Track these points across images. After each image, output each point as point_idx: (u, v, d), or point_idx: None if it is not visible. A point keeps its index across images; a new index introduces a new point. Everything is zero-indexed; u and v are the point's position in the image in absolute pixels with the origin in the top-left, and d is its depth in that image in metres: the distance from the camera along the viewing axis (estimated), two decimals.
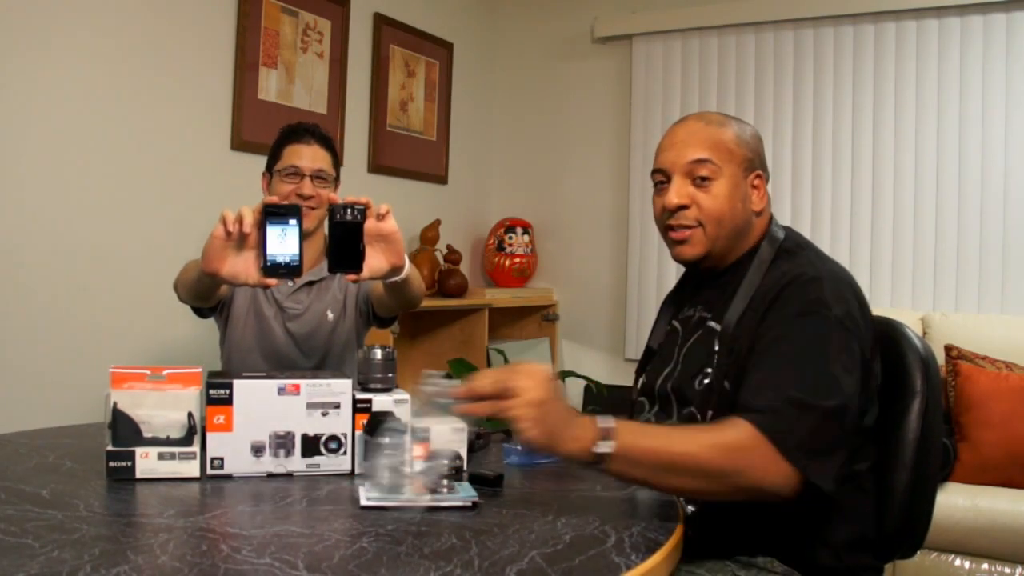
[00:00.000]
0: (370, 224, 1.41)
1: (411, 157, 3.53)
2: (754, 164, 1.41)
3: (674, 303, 1.55)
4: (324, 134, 2.00)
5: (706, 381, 1.34)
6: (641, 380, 1.53)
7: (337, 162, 2.02)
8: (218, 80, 2.71)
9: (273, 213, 1.34)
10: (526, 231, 3.81)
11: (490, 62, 4.03)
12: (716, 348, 1.34)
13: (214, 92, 2.70)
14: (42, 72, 2.25)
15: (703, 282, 1.47)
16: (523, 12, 4.01)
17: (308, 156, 1.94)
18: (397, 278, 1.53)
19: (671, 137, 1.42)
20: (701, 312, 1.43)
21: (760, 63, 3.49)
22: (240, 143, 2.75)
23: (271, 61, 2.87)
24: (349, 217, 1.38)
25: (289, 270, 1.36)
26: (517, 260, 3.77)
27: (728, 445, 1.15)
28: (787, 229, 1.45)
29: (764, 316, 1.29)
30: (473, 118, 3.90)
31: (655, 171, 1.44)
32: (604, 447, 1.11)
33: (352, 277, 1.42)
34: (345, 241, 1.39)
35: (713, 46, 3.57)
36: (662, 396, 1.44)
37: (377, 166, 3.34)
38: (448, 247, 3.51)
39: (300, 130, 1.98)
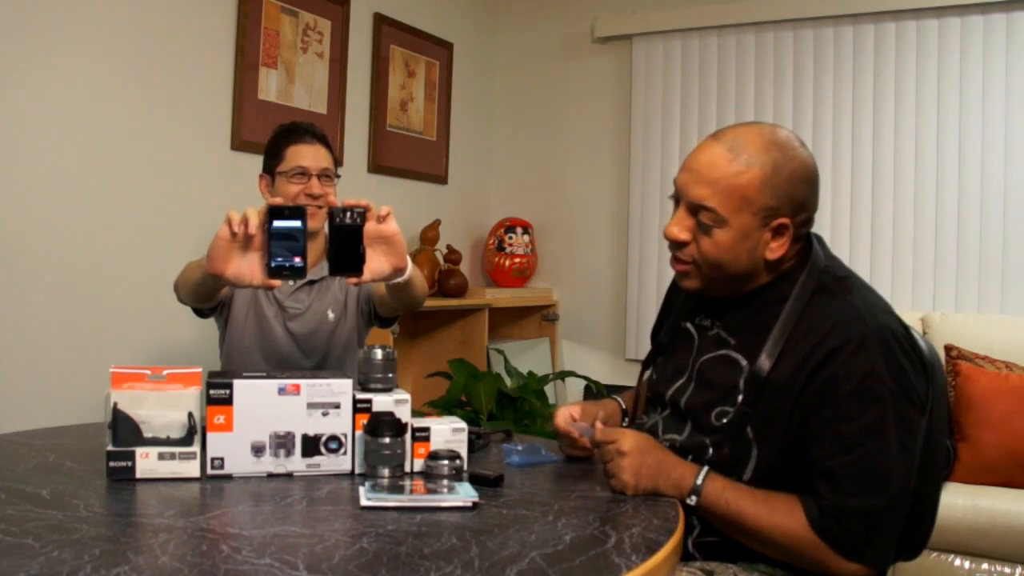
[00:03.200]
0: (371, 226, 1.42)
1: (411, 157, 3.53)
2: (779, 211, 1.27)
3: (690, 301, 1.47)
4: (321, 132, 2.00)
5: (724, 420, 1.30)
6: (650, 376, 1.50)
7: (334, 162, 2.01)
8: (218, 80, 2.71)
9: (278, 214, 1.34)
10: (526, 231, 3.81)
11: (490, 62, 4.03)
12: (741, 387, 1.29)
13: (214, 92, 2.70)
14: (42, 72, 2.25)
15: (725, 298, 1.38)
16: (523, 12, 4.01)
17: (313, 156, 1.94)
18: (400, 279, 1.54)
19: (693, 158, 1.32)
20: (721, 332, 1.37)
21: (760, 63, 3.49)
22: (240, 143, 2.75)
23: (271, 61, 2.87)
24: (348, 221, 1.39)
25: (294, 271, 1.36)
26: (517, 260, 3.77)
27: (792, 536, 1.23)
28: (824, 249, 1.36)
29: (809, 381, 1.23)
30: (473, 118, 3.90)
31: (675, 182, 1.36)
32: (690, 501, 1.27)
33: (353, 280, 1.42)
34: (345, 245, 1.39)
35: (713, 46, 3.57)
36: (673, 406, 1.41)
37: (377, 166, 3.34)
38: (448, 247, 3.51)
39: (300, 130, 1.97)
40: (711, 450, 1.31)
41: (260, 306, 1.97)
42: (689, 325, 1.45)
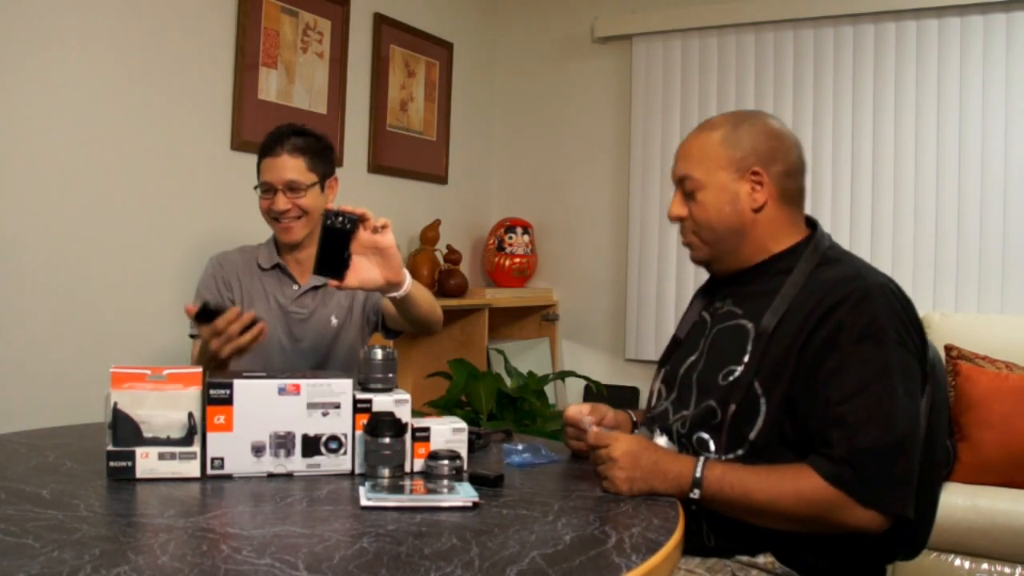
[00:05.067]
0: (366, 236, 1.45)
1: (411, 157, 3.53)
2: (747, 162, 1.40)
3: (706, 295, 1.55)
4: (296, 140, 1.92)
5: (731, 378, 1.34)
6: (665, 369, 1.54)
7: (319, 162, 1.94)
8: (218, 80, 2.71)
9: (331, 215, 1.44)
10: (526, 231, 3.81)
11: (490, 62, 4.03)
12: (749, 348, 1.34)
13: (214, 92, 2.70)
14: (42, 72, 2.25)
15: (734, 277, 1.47)
16: (523, 12, 4.01)
17: (278, 168, 1.90)
18: (395, 294, 1.56)
19: (679, 148, 1.48)
20: (730, 306, 1.44)
21: (760, 63, 3.49)
22: (240, 143, 2.75)
23: (271, 61, 2.87)
24: (339, 224, 1.43)
25: (332, 272, 1.47)
26: (517, 260, 3.77)
27: (807, 497, 1.23)
28: (829, 237, 1.45)
29: (814, 332, 1.28)
30: (473, 118, 3.90)
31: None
32: (693, 495, 1.27)
33: (334, 284, 1.48)
34: (332, 247, 1.44)
35: (713, 46, 3.57)
36: (683, 385, 1.45)
37: (377, 166, 3.34)
38: (448, 247, 3.51)
39: (270, 141, 1.93)
40: (719, 412, 1.34)
41: (261, 313, 1.96)
42: (704, 314, 1.51)
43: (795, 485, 1.24)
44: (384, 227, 1.48)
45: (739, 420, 1.31)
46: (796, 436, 1.29)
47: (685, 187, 1.44)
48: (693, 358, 1.45)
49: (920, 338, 1.32)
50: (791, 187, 1.43)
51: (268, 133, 1.97)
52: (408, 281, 1.59)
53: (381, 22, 3.34)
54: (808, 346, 1.29)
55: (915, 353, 1.29)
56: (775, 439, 1.30)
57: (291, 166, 1.90)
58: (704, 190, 1.41)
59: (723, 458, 1.32)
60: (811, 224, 1.47)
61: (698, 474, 1.27)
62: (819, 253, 1.39)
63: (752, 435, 1.30)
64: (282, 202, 1.90)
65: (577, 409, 1.51)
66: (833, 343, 1.27)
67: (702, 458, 1.30)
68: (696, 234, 1.45)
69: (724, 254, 1.45)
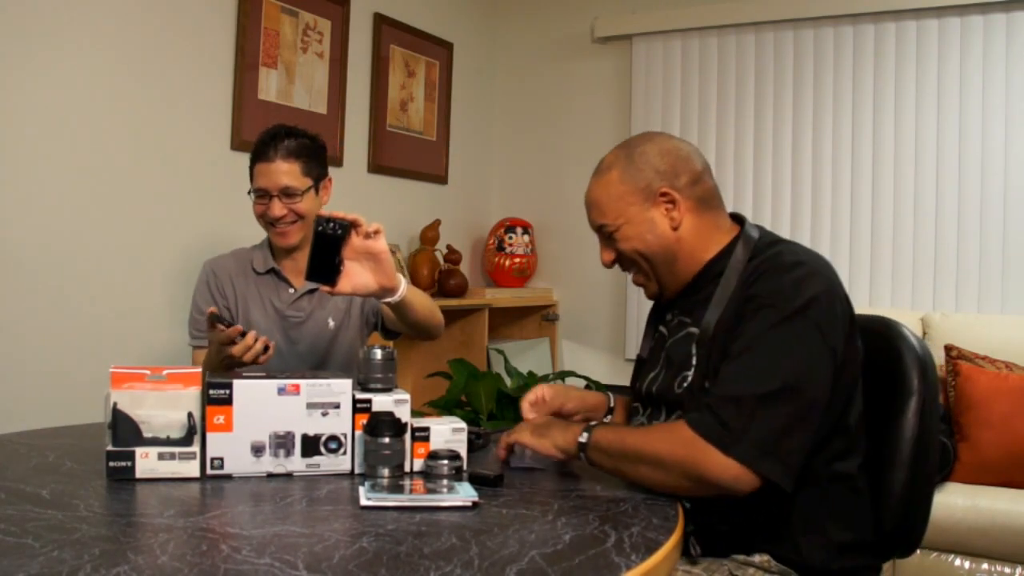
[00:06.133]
0: (359, 241, 1.47)
1: (411, 157, 3.53)
2: (652, 188, 1.40)
3: (658, 310, 1.56)
4: (295, 140, 1.91)
5: (685, 384, 1.35)
6: (635, 388, 1.55)
7: (313, 165, 1.93)
8: (218, 80, 2.71)
9: (322, 222, 1.45)
10: (526, 231, 3.81)
11: (490, 62, 4.03)
12: (694, 351, 1.35)
13: (214, 92, 2.70)
14: (42, 72, 2.25)
15: (680, 292, 1.47)
16: (523, 12, 4.01)
17: (272, 175, 1.88)
18: (390, 300, 1.58)
19: (585, 198, 1.50)
20: (680, 316, 1.44)
21: (760, 63, 3.49)
22: (240, 143, 2.75)
23: (271, 61, 2.87)
24: (329, 231, 1.44)
25: (323, 278, 1.48)
26: (517, 260, 3.77)
27: (673, 443, 1.23)
28: (761, 228, 1.44)
29: (739, 317, 1.29)
30: (473, 118, 3.90)
31: None
32: (583, 437, 1.32)
33: (326, 289, 1.49)
34: (323, 253, 1.45)
35: (713, 46, 3.57)
36: (650, 400, 1.46)
37: (377, 166, 3.34)
38: (448, 247, 3.51)
39: (265, 145, 1.90)
40: None
41: (257, 317, 1.96)
42: (662, 328, 1.51)
43: (666, 434, 1.25)
44: (376, 232, 1.49)
45: None
46: None
47: (604, 233, 1.45)
48: (654, 373, 1.46)
49: (836, 315, 1.27)
50: (702, 192, 1.42)
51: (260, 135, 1.95)
52: (403, 286, 1.59)
53: (381, 22, 3.34)
54: (734, 328, 1.29)
55: (820, 325, 1.25)
56: None
57: (285, 171, 1.88)
58: (621, 229, 1.42)
59: None
60: (738, 220, 1.46)
61: (592, 423, 1.35)
62: (750, 247, 1.38)
63: None
64: (278, 208, 1.88)
65: (538, 394, 1.54)
66: (741, 315, 1.28)
67: (595, 422, 1.38)
68: (639, 272, 1.46)
69: (668, 280, 1.44)
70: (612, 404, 1.61)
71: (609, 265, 1.49)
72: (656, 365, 1.47)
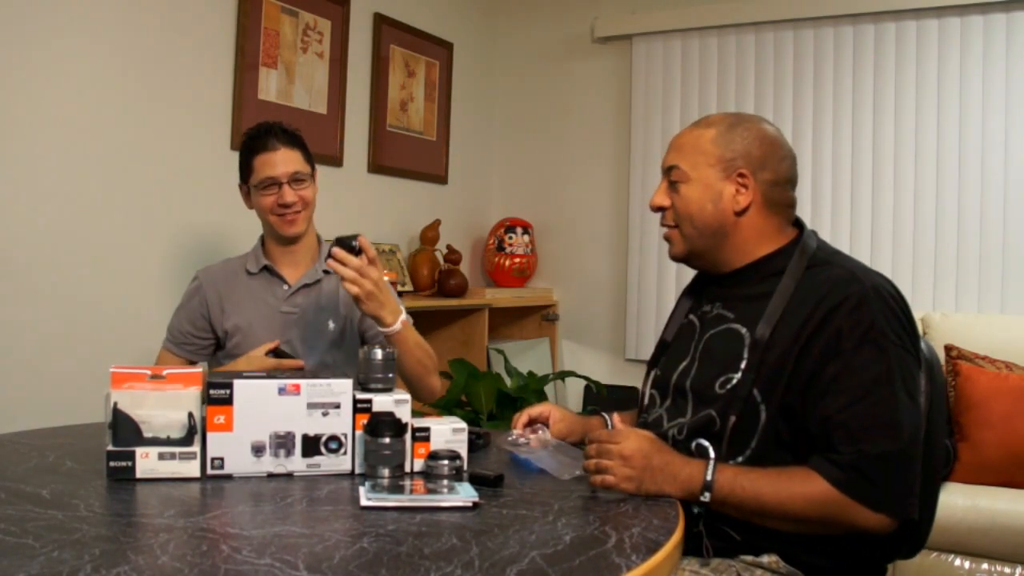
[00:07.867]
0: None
1: (411, 157, 3.53)
2: (735, 164, 1.40)
3: (692, 297, 1.55)
4: (287, 131, 1.95)
5: (730, 386, 1.33)
6: (654, 373, 1.53)
7: (308, 155, 1.97)
8: (218, 80, 2.71)
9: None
10: (526, 231, 3.81)
11: (490, 62, 4.03)
12: (745, 355, 1.33)
13: (214, 92, 2.70)
14: (42, 72, 2.25)
15: (722, 279, 1.47)
16: (523, 12, 4.01)
17: (280, 162, 1.90)
18: (381, 329, 1.73)
19: (672, 139, 1.50)
20: (720, 310, 1.43)
21: (760, 63, 3.49)
22: (240, 143, 2.74)
23: (271, 61, 2.86)
24: (349, 242, 1.69)
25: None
26: (517, 260, 3.77)
27: (816, 500, 1.23)
28: (818, 237, 1.44)
29: (812, 337, 1.28)
30: (473, 118, 3.90)
31: None
32: (704, 498, 1.26)
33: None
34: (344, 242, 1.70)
35: (713, 46, 3.57)
36: (677, 391, 1.44)
37: (377, 166, 3.34)
38: (448, 247, 3.51)
39: (263, 137, 1.93)
40: (718, 421, 1.33)
41: (252, 316, 1.96)
42: (692, 317, 1.50)
43: (804, 489, 1.24)
44: (372, 261, 1.68)
45: (740, 428, 1.31)
46: (792, 439, 1.30)
47: (671, 177, 1.44)
48: (685, 364, 1.44)
49: (916, 338, 1.32)
50: (777, 197, 1.42)
51: (249, 132, 1.97)
52: (395, 325, 1.72)
53: (381, 22, 3.34)
54: (807, 352, 1.28)
55: (913, 354, 1.30)
56: (773, 443, 1.30)
57: (292, 158, 1.92)
58: (688, 183, 1.42)
59: (729, 463, 1.31)
60: (798, 225, 1.46)
61: (709, 477, 1.26)
62: (808, 254, 1.38)
63: (754, 443, 1.30)
64: (290, 194, 1.90)
65: (543, 416, 1.55)
66: (833, 349, 1.27)
67: (711, 461, 1.28)
68: (677, 227, 1.45)
69: (703, 252, 1.45)
70: (608, 420, 1.57)
71: (655, 209, 1.48)
72: (686, 355, 1.45)
